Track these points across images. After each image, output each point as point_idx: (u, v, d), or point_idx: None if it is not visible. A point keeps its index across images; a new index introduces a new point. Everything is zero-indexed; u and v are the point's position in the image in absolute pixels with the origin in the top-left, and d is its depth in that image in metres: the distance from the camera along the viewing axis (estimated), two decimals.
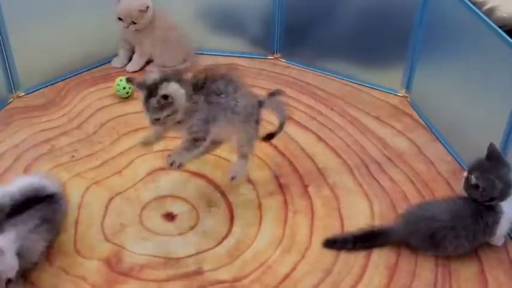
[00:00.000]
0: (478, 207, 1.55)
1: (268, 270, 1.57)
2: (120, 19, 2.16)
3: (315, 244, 1.63)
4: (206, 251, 1.62)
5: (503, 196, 1.52)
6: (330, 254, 1.60)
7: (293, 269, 1.58)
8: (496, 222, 1.54)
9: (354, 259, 1.61)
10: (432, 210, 1.58)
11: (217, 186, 1.80)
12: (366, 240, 1.62)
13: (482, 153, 1.56)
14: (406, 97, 2.13)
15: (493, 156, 1.54)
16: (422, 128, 2.04)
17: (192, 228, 1.69)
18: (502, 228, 1.55)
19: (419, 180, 1.83)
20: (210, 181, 1.82)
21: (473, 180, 1.53)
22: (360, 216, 1.70)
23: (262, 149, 1.91)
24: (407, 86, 2.13)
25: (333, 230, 1.66)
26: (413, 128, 2.02)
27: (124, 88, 2.10)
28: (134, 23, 2.12)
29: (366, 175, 1.84)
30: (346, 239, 1.62)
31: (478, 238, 1.56)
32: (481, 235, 1.56)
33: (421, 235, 1.57)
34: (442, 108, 1.93)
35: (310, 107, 2.10)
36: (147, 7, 2.13)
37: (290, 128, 1.93)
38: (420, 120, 2.05)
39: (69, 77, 2.25)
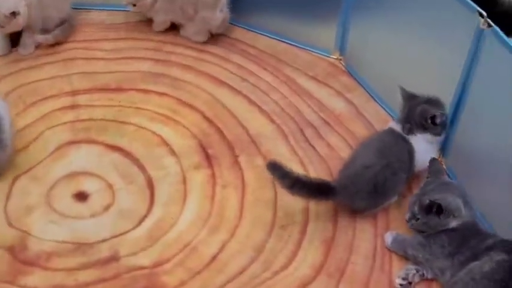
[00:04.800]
0: (398, 136, 1.62)
1: (193, 253, 1.52)
2: None
3: (246, 220, 1.58)
4: (123, 234, 1.55)
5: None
6: (261, 230, 1.55)
7: (221, 249, 1.53)
8: (413, 150, 1.61)
9: (287, 235, 1.57)
10: (361, 160, 1.58)
11: (135, 160, 1.71)
12: (306, 187, 1.54)
13: None
14: (340, 59, 2.08)
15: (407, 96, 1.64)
16: (361, 88, 2.00)
17: (106, 208, 1.61)
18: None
19: (358, 143, 1.73)
20: (127, 154, 1.73)
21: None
22: None
23: (186, 115, 1.84)
24: (341, 47, 2.07)
25: (266, 204, 1.62)
26: (352, 88, 1.97)
27: None
28: (1, 27, 1.90)
29: (301, 141, 1.78)
30: (289, 175, 1.53)
31: (410, 167, 1.61)
32: (411, 163, 1.61)
33: (365, 188, 1.56)
34: (379, 68, 1.87)
35: (240, 66, 2.00)
36: (16, 12, 1.87)
37: (218, 91, 1.88)
38: (357, 80, 1.98)
39: None
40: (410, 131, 1.61)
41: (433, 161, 1.62)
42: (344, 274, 1.49)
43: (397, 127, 1.63)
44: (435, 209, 1.49)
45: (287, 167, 1.53)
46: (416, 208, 1.53)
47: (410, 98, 1.63)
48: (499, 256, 1.41)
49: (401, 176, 1.58)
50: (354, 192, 1.55)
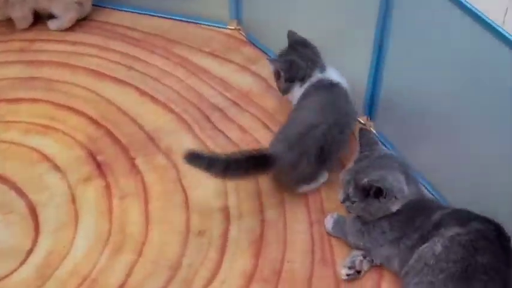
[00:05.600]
0: (325, 91, 1.50)
1: (95, 285, 1.33)
2: None
3: (155, 234, 1.42)
4: (6, 277, 1.34)
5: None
6: (175, 242, 1.41)
7: (128, 274, 1.35)
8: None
9: (207, 242, 1.40)
10: (305, 120, 1.45)
11: (11, 184, 1.51)
12: (241, 166, 1.36)
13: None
14: (239, 29, 1.93)
15: (294, 42, 1.54)
16: (266, 57, 1.81)
17: None
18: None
19: (273, 120, 1.64)
20: (0, 179, 1.52)
21: (272, 66, 1.56)
22: (208, 184, 1.49)
23: (66, 120, 1.65)
24: (237, 15, 1.91)
25: (176, 209, 1.46)
26: (256, 59, 1.83)
27: None
28: None
29: (208, 129, 1.64)
30: (215, 159, 1.35)
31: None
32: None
33: (312, 151, 1.41)
34: (282, 32, 1.67)
35: (123, 53, 1.85)
36: None
37: (100, 86, 1.74)
38: (261, 49, 1.86)
39: None
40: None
41: (363, 132, 1.40)
42: (281, 276, 1.35)
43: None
44: (373, 191, 1.27)
45: (208, 153, 1.39)
46: (351, 189, 1.30)
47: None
48: (450, 231, 1.21)
49: (347, 134, 1.47)
50: (298, 156, 1.40)
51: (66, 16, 1.89)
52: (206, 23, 1.94)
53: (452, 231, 1.21)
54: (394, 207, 1.28)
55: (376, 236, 1.31)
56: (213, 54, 1.85)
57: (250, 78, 1.78)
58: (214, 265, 1.36)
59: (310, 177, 1.46)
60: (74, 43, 1.87)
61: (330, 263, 1.37)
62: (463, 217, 1.23)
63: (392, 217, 1.29)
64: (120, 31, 1.92)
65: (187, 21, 1.95)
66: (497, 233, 1.21)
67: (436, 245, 1.20)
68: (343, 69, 1.55)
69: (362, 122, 1.63)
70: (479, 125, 1.30)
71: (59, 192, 1.49)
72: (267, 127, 1.63)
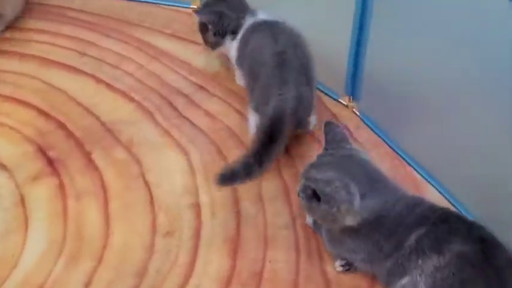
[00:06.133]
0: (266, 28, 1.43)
1: None
2: None
3: (116, 237, 1.30)
4: None
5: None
6: (139, 245, 1.28)
7: (88, 283, 1.23)
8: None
9: (176, 244, 1.28)
10: (270, 58, 1.36)
11: None
12: (266, 151, 1.26)
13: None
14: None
15: None
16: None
17: None
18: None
19: (245, 104, 1.51)
20: None
21: (199, 18, 1.50)
22: (174, 177, 1.40)
23: (12, 114, 1.53)
24: None
25: (139, 207, 1.35)
26: None
27: None
28: None
29: (172, 117, 1.53)
30: (247, 162, 1.25)
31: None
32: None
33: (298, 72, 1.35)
34: None
35: (75, 38, 1.73)
36: None
37: (51, 74, 1.62)
38: None
39: None
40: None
41: (330, 125, 1.23)
42: (263, 278, 1.23)
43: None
44: (309, 192, 1.12)
45: (235, 162, 1.28)
46: (299, 185, 1.16)
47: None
48: (428, 263, 1.03)
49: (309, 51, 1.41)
50: (295, 89, 1.33)
51: None
52: (166, 3, 1.83)
53: (431, 263, 1.03)
54: (348, 221, 1.09)
55: (345, 252, 1.18)
56: (175, 36, 1.74)
57: (217, 60, 1.66)
58: (185, 270, 1.24)
59: (310, 106, 1.38)
60: (22, 30, 1.74)
61: (318, 260, 1.25)
62: (440, 239, 1.04)
63: (354, 235, 1.12)
64: (70, 14, 1.79)
65: (145, 1, 1.83)
66: (485, 253, 1.02)
67: (419, 285, 1.04)
68: (321, 42, 1.44)
69: (344, 102, 1.52)
70: (476, 104, 1.20)
71: (5, 194, 1.37)
72: (238, 112, 1.52)
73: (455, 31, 1.17)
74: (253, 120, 1.39)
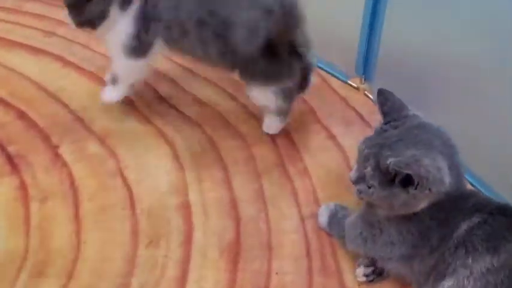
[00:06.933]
0: None
1: None
2: None
3: (90, 247, 1.18)
4: None
5: None
6: (119, 256, 1.18)
7: None
8: None
9: (162, 254, 1.16)
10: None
11: None
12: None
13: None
14: None
15: None
16: None
17: None
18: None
19: (239, 86, 1.40)
20: None
21: None
22: (159, 174, 1.30)
23: None
24: None
25: (118, 211, 1.24)
26: None
27: None
28: None
29: (155, 103, 1.45)
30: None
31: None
32: None
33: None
34: None
35: (39, 16, 1.65)
36: None
37: (11, 57, 1.53)
38: None
39: None
40: None
41: (384, 94, 1.07)
42: None
43: None
44: (399, 179, 0.96)
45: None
46: (369, 169, 0.99)
47: None
48: (480, 264, 0.92)
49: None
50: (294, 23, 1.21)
51: None
52: None
53: (483, 263, 0.92)
54: (421, 204, 0.97)
55: (382, 247, 1.03)
56: None
57: None
58: (174, 285, 1.11)
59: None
60: None
61: (334, 270, 1.13)
62: (497, 235, 0.93)
63: (407, 222, 0.99)
64: None
65: None
66: None
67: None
68: (328, 15, 1.36)
69: (354, 85, 1.41)
70: (495, 84, 1.13)
71: None
72: (232, 98, 1.41)
73: (475, 10, 1.12)
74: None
